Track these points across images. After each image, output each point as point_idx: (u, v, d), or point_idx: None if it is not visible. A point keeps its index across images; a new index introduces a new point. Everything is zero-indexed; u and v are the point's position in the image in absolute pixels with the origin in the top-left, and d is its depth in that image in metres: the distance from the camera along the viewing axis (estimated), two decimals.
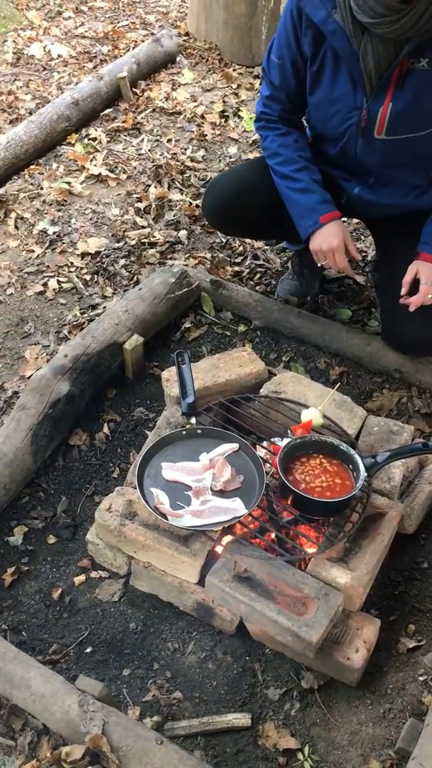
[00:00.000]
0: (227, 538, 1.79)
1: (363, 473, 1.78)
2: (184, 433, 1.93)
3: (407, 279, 2.10)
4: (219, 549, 1.78)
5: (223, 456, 1.88)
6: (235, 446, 1.91)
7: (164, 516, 1.72)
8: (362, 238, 2.99)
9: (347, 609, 1.72)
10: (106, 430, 2.22)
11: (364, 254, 2.90)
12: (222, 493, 1.79)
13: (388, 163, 2.06)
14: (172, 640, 1.77)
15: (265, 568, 1.72)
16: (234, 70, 4.10)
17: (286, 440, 1.86)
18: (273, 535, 1.80)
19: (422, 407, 2.31)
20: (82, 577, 1.89)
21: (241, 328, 2.53)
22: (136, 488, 1.86)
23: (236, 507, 1.76)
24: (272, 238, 2.79)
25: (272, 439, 1.91)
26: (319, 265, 2.23)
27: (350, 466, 1.83)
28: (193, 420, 1.95)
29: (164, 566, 1.78)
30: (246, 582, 1.70)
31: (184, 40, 4.34)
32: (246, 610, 1.69)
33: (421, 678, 1.70)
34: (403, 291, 2.11)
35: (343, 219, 2.92)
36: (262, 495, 1.77)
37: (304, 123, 2.26)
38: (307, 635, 1.60)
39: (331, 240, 2.12)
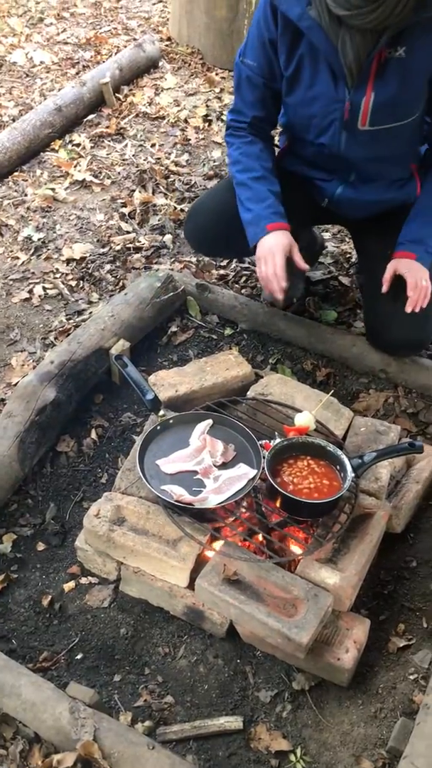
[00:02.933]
0: (217, 542, 1.79)
1: (350, 474, 1.79)
2: (159, 428, 1.96)
3: (387, 276, 2.11)
4: (208, 552, 1.79)
5: (205, 433, 1.93)
6: (209, 422, 1.97)
7: (191, 505, 1.75)
8: (346, 239, 3.00)
9: (337, 609, 1.72)
10: (93, 435, 2.22)
11: (348, 256, 2.91)
12: (225, 465, 1.87)
13: (372, 155, 2.06)
14: (163, 644, 1.77)
15: (254, 571, 1.72)
16: (216, 74, 4.11)
17: (275, 442, 1.87)
18: (261, 537, 1.81)
19: (408, 407, 2.32)
20: (71, 584, 1.88)
21: (228, 331, 2.53)
22: (124, 494, 1.87)
23: (245, 471, 1.84)
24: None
25: (263, 442, 1.92)
26: (258, 274, 2.19)
27: (338, 467, 1.84)
28: (161, 413, 1.98)
29: (154, 571, 1.78)
30: (235, 585, 1.70)
31: (167, 45, 4.35)
32: (236, 613, 1.69)
33: (411, 677, 1.70)
34: (384, 288, 2.11)
35: (324, 226, 2.96)
36: (259, 452, 1.87)
37: (278, 129, 2.27)
38: (297, 637, 1.60)
39: (267, 248, 2.06)
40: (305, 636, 1.60)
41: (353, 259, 2.87)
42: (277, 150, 2.29)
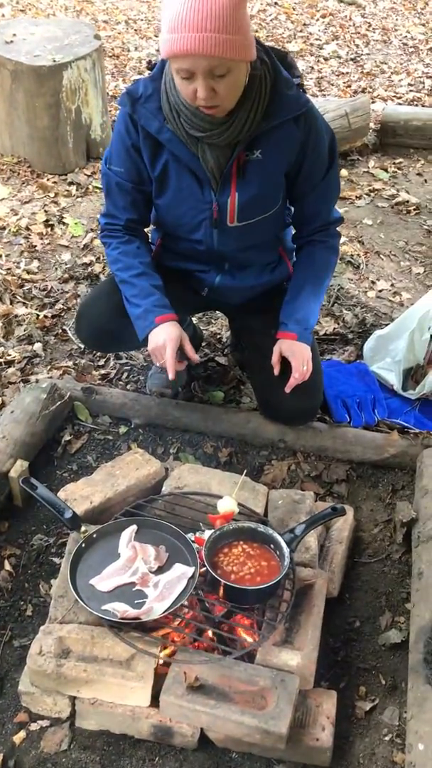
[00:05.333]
0: (169, 650, 1.74)
1: (286, 550, 1.82)
2: (83, 545, 1.90)
3: (275, 360, 2.22)
4: (164, 663, 1.73)
5: (132, 540, 1.90)
6: (133, 527, 1.94)
7: (138, 619, 1.69)
8: (212, 321, 3.12)
9: (303, 689, 1.72)
10: (7, 566, 2.09)
11: (219, 336, 3.02)
12: (161, 569, 1.83)
13: (243, 246, 2.19)
14: None
15: (216, 671, 1.68)
16: (48, 179, 4.17)
17: (207, 532, 1.86)
18: (212, 634, 1.78)
19: (311, 471, 2.41)
20: (22, 734, 1.73)
21: (122, 429, 2.51)
22: (63, 623, 1.77)
23: (183, 570, 1.82)
24: None
25: (191, 536, 1.91)
26: (156, 364, 2.25)
27: (272, 546, 1.87)
28: (83, 528, 1.93)
29: (112, 697, 1.69)
30: (201, 691, 1.65)
31: None
32: (208, 720, 1.64)
33: (386, 738, 1.72)
34: (276, 371, 2.22)
35: (206, 312, 3.07)
36: (191, 547, 1.87)
37: (151, 227, 2.35)
38: (275, 728, 1.57)
39: (158, 340, 2.11)
40: (283, 725, 1.58)
41: (224, 339, 2.98)
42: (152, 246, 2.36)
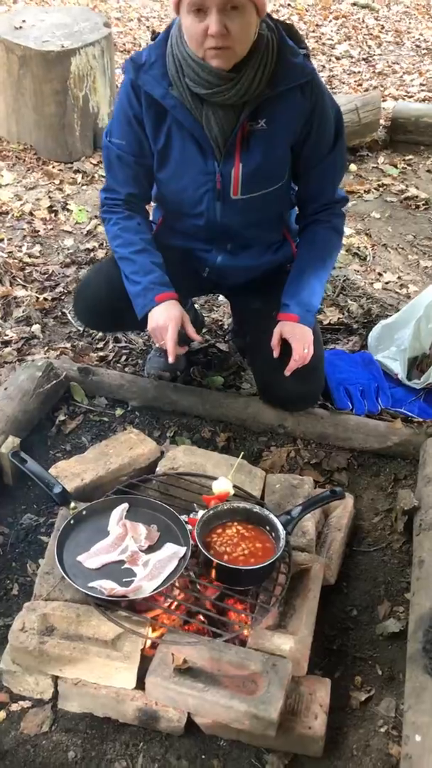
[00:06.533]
0: (159, 631, 1.67)
1: (282, 531, 1.75)
2: (72, 522, 1.83)
3: (274, 342, 2.16)
4: (151, 645, 1.66)
5: (123, 518, 1.84)
6: (125, 506, 1.88)
7: (125, 597, 1.63)
8: (214, 308, 3.06)
9: (295, 675, 1.64)
10: None
11: (220, 323, 2.96)
12: (151, 549, 1.76)
13: (247, 222, 2.13)
14: (119, 758, 1.60)
15: (205, 654, 1.61)
16: (53, 167, 4.13)
17: (201, 512, 1.80)
18: (203, 616, 1.71)
19: (310, 458, 2.34)
20: (1, 714, 1.66)
21: (119, 411, 2.45)
22: (48, 600, 1.71)
23: (174, 550, 1.75)
24: None
25: (185, 517, 1.84)
26: (156, 346, 2.19)
27: (267, 527, 1.80)
28: (72, 505, 1.87)
29: (96, 678, 1.62)
30: (189, 673, 1.58)
31: None
32: (195, 704, 1.56)
33: (382, 729, 1.65)
34: (275, 354, 2.16)
35: (207, 296, 3.01)
36: (183, 527, 1.81)
37: (152, 205, 2.29)
38: (266, 713, 1.50)
39: (159, 319, 2.05)
40: (273, 711, 1.51)
41: (225, 326, 2.92)
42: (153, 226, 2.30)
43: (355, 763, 1.59)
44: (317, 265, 2.21)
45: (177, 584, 1.73)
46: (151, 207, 2.33)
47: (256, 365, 2.41)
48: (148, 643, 1.65)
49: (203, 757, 1.60)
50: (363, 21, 7.13)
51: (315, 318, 2.24)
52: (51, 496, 1.87)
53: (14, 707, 1.68)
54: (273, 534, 1.78)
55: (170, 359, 2.06)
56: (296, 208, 2.31)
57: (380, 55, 6.21)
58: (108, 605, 1.65)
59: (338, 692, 1.71)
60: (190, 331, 2.12)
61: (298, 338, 2.13)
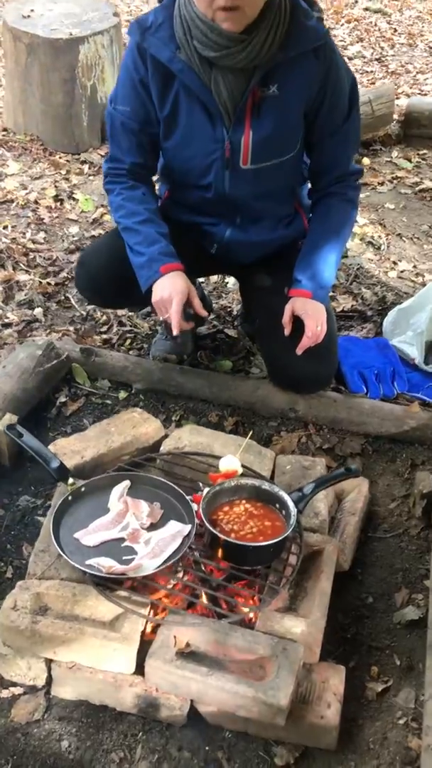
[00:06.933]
0: (161, 613, 1.56)
1: (293, 509, 1.64)
2: (70, 498, 1.73)
3: (286, 319, 2.05)
4: (152, 630, 1.54)
5: (125, 495, 1.74)
6: (126, 483, 1.78)
7: (124, 575, 1.53)
8: (223, 295, 2.96)
9: (307, 662, 1.53)
10: None
11: (229, 309, 2.86)
12: (154, 526, 1.66)
13: (257, 193, 2.03)
14: (116, 749, 1.48)
15: (210, 637, 1.50)
16: (60, 157, 4.06)
17: (206, 490, 1.69)
18: (209, 597, 1.59)
19: (323, 443, 2.23)
20: None
21: (122, 394, 2.35)
22: (42, 579, 1.60)
23: (178, 528, 1.66)
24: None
25: (196, 492, 1.74)
26: (160, 319, 2.08)
27: (277, 505, 1.69)
28: (70, 481, 1.76)
29: (92, 662, 1.50)
30: (192, 657, 1.47)
31: (4, 135, 4.26)
32: (199, 689, 1.45)
33: (400, 721, 1.52)
34: (286, 331, 2.05)
35: (214, 276, 2.91)
36: (188, 505, 1.72)
37: (158, 179, 2.21)
38: (274, 699, 1.39)
39: (163, 291, 1.95)
40: (283, 697, 1.39)
41: (235, 312, 2.82)
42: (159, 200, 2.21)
43: (372, 756, 1.47)
44: (331, 237, 2.11)
45: (180, 563, 1.62)
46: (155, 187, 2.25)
47: (266, 345, 2.30)
48: (149, 625, 1.53)
49: (207, 748, 1.49)
50: (375, 24, 7.08)
51: (328, 296, 2.13)
52: (48, 470, 1.77)
53: (5, 694, 1.57)
54: (283, 512, 1.67)
55: (174, 331, 1.95)
56: (308, 183, 2.21)
57: (393, 56, 6.15)
58: (106, 584, 1.54)
59: (353, 683, 1.60)
60: (197, 305, 2.01)
61: (310, 315, 2.03)
